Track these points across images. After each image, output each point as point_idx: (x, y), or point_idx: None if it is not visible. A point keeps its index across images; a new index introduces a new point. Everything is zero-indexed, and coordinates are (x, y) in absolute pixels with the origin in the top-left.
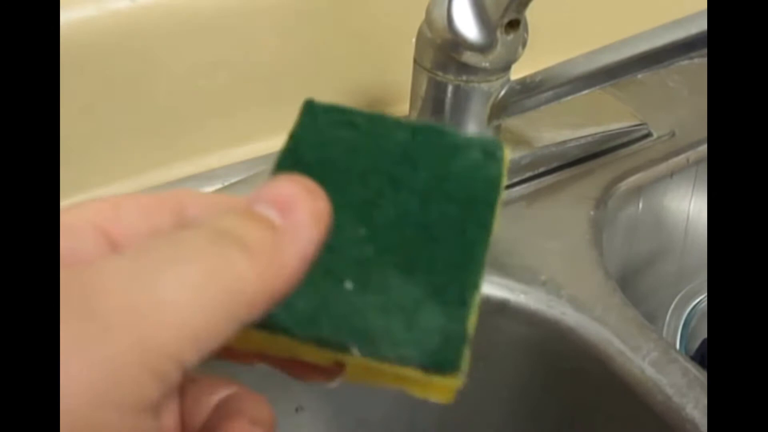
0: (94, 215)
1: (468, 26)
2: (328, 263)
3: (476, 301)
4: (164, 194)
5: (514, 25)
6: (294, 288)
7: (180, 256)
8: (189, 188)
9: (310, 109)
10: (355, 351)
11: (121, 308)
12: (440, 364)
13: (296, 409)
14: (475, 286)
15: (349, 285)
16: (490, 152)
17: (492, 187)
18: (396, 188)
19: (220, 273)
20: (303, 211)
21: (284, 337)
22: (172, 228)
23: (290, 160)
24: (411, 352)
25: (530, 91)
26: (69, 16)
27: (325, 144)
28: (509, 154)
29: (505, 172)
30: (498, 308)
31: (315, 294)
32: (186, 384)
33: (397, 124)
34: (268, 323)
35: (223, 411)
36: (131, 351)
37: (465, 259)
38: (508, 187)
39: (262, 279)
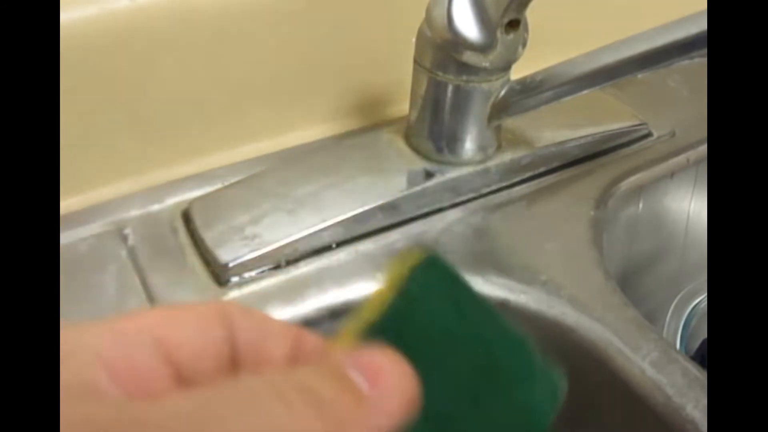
0: (153, 326)
1: (468, 26)
2: None
3: None
4: (212, 306)
5: (514, 24)
6: None
7: (247, 409)
8: (235, 304)
9: (430, 265)
10: None
11: None
12: None
13: None
14: None
15: None
16: (555, 391)
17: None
18: (474, 408)
19: None
20: (392, 383)
21: None
22: (225, 343)
23: (389, 328)
24: None
25: (530, 91)
26: (69, 16)
27: (428, 322)
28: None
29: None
30: (498, 308)
31: None
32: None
33: (495, 321)
34: None
35: None
36: None
37: None
38: (508, 187)
39: None
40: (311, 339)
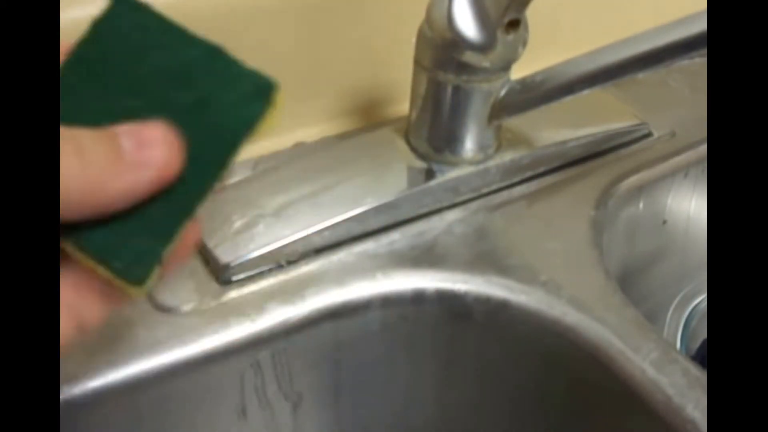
0: None
1: (468, 26)
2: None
3: (181, 231)
4: None
5: (514, 24)
6: (113, 210)
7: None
8: None
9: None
10: (69, 243)
11: None
12: (129, 276)
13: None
14: (187, 218)
15: None
16: (263, 91)
17: (245, 126)
18: (160, 106)
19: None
20: (154, 150)
21: None
22: None
23: (80, 53)
24: (113, 260)
25: (530, 91)
26: (69, 15)
27: (117, 42)
28: (282, 100)
29: (270, 113)
30: (498, 308)
31: None
32: None
33: (189, 40)
34: None
35: None
36: None
37: (189, 193)
38: (508, 187)
39: (87, 184)
40: None
